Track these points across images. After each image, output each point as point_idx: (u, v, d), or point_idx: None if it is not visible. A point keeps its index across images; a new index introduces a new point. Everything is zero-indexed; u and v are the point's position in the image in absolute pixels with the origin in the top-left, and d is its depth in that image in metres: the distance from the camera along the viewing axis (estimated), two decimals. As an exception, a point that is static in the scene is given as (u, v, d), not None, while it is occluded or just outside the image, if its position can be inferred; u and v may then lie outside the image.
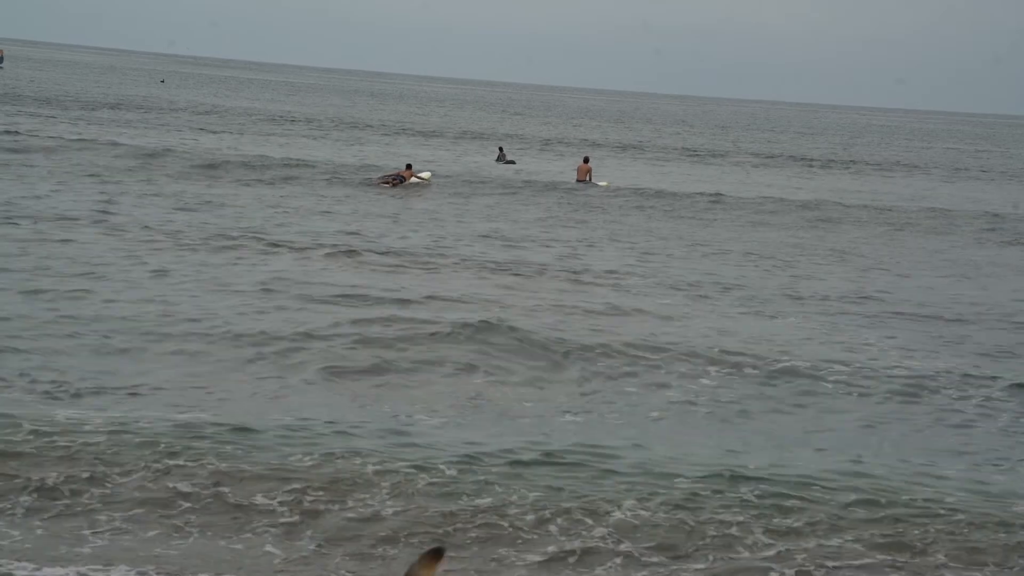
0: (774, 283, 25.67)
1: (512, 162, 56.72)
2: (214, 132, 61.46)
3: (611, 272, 25.60)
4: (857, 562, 10.44)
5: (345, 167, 46.07)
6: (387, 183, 39.80)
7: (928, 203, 49.17)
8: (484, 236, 30.17)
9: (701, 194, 45.56)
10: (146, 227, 27.04)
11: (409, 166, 41.51)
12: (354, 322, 18.19)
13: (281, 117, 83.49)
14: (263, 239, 26.51)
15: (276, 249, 25.40)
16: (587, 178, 45.45)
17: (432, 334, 17.63)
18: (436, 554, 6.76)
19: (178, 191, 34.93)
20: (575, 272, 25.24)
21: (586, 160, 47.15)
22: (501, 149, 61.09)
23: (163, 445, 11.83)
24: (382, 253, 25.85)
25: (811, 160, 79.12)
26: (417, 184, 40.53)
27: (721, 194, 45.91)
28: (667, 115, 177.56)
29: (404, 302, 20.15)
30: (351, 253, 25.45)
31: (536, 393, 15.51)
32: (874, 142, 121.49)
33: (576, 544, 10.41)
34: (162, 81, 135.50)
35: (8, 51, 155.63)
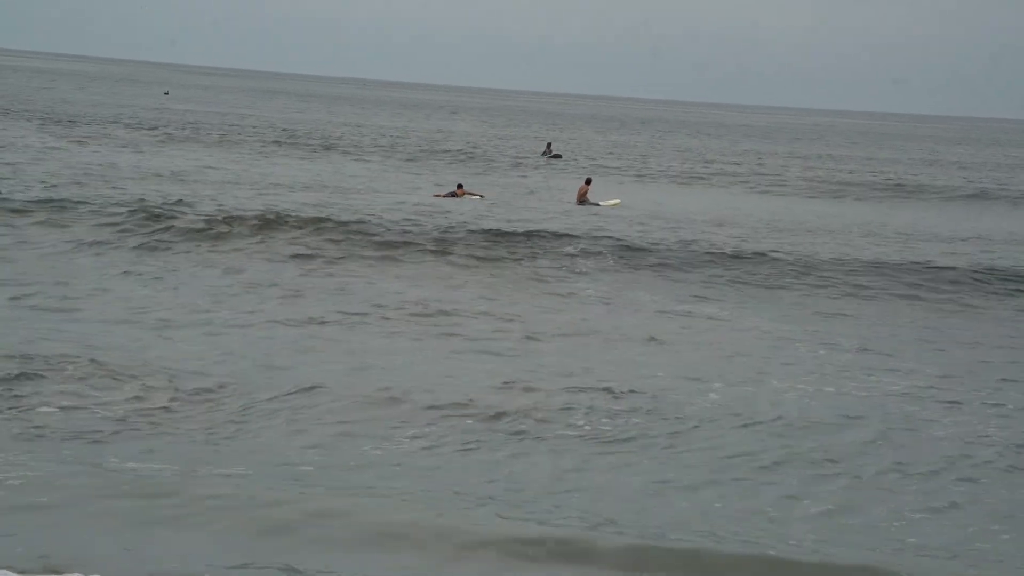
0: None
1: (558, 156, 56.83)
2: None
3: None
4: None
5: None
6: (440, 196, 42.68)
7: None
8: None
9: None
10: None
11: (460, 185, 44.07)
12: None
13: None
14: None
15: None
16: (586, 198, 45.06)
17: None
18: None
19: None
20: None
21: (588, 181, 46.47)
22: (549, 145, 61.75)
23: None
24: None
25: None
26: (472, 200, 42.20)
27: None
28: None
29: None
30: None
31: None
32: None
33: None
34: (166, 93, 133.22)
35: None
